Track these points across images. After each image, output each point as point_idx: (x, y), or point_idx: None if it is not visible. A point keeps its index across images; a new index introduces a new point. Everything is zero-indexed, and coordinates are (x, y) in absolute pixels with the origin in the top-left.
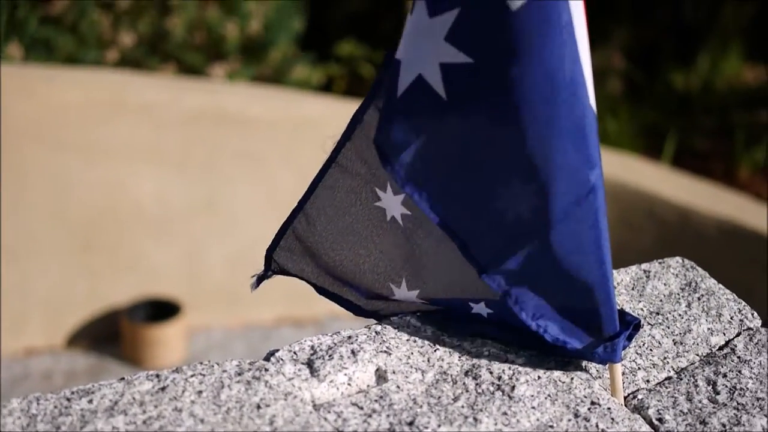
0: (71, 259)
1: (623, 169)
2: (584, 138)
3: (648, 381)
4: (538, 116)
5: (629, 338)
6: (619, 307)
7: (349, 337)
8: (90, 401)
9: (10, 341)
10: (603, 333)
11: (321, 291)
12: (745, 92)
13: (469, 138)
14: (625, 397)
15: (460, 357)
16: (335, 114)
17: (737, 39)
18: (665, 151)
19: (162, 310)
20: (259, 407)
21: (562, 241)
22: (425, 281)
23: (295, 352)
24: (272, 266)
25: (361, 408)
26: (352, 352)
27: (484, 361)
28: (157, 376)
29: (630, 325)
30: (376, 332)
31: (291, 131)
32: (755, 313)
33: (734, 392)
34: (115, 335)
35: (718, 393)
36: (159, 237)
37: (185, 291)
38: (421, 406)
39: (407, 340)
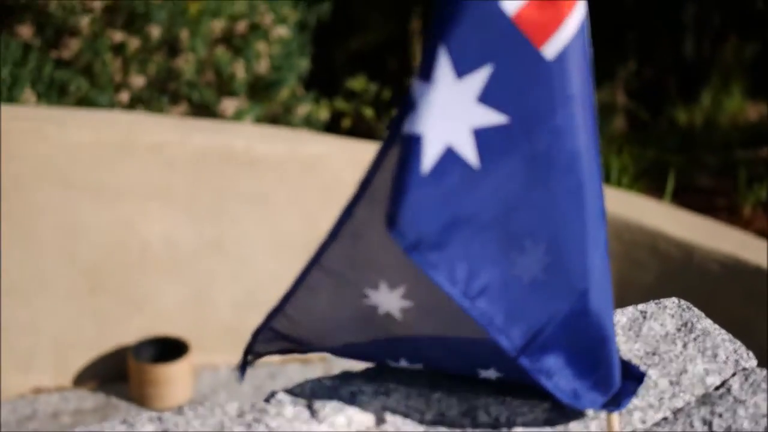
0: (80, 299)
1: (626, 205)
2: (599, 178)
3: (644, 422)
4: (574, 164)
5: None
6: (625, 359)
7: (349, 379)
8: None
9: (18, 380)
10: (615, 387)
11: (307, 351)
12: (747, 129)
13: (500, 206)
14: None
15: (458, 398)
16: (341, 153)
17: (739, 76)
18: (667, 188)
19: (169, 348)
20: None
21: (592, 299)
22: (427, 358)
23: (295, 394)
24: (251, 354)
25: None
26: (352, 393)
27: (481, 402)
28: (159, 418)
29: (640, 379)
30: (375, 374)
31: (298, 171)
32: (750, 353)
33: None
34: (123, 374)
35: None
36: (167, 276)
37: (192, 330)
38: None
39: (406, 382)
